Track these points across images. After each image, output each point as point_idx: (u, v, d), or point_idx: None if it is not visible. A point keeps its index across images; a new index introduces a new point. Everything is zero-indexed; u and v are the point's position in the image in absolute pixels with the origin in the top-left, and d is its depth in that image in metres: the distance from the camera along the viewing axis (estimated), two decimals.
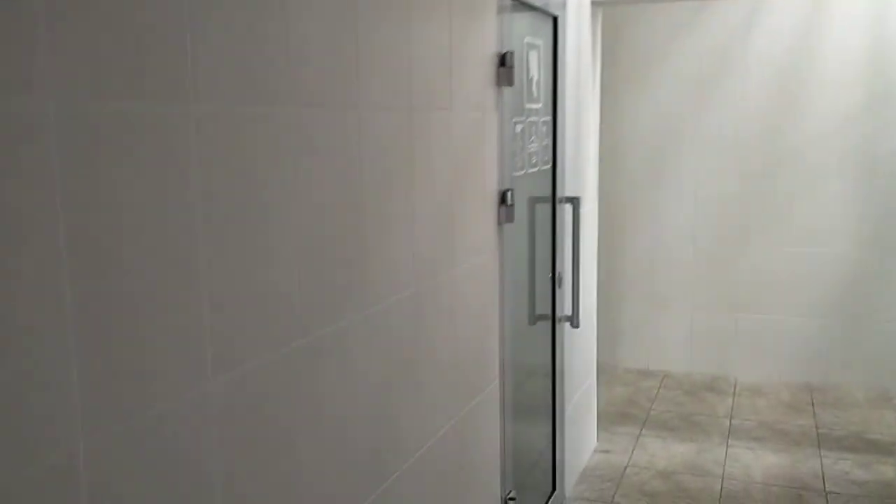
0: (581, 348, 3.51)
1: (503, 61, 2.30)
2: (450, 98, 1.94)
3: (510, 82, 2.36)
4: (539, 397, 3.01)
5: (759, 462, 3.67)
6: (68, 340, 0.89)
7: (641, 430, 4.05)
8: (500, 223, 2.36)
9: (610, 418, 4.12)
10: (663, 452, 3.78)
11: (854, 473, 3.53)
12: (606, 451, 3.78)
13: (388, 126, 1.63)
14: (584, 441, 3.63)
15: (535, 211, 2.78)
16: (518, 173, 2.54)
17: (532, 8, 2.60)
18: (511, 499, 2.53)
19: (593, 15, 3.40)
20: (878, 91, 4.41)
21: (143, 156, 0.99)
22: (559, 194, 3.03)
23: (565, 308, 3.13)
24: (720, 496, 3.35)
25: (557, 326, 3.10)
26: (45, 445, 0.86)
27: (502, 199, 2.36)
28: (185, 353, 1.08)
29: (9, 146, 0.81)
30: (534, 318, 2.82)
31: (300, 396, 1.35)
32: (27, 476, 0.85)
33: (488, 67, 2.21)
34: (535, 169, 2.76)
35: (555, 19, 2.88)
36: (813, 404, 4.36)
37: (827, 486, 3.42)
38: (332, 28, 1.40)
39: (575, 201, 3.05)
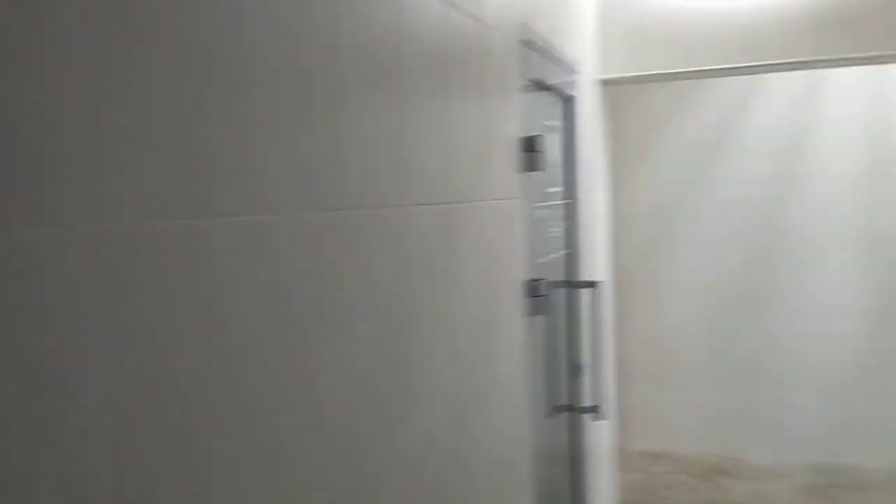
0: (599, 437, 3.21)
1: (529, 146, 2.13)
2: (480, 189, 1.75)
3: (535, 167, 2.16)
4: (565, 491, 2.74)
5: None
6: None
7: None
8: (527, 315, 2.13)
9: None
10: None
11: None
12: None
13: (430, 225, 1.44)
14: None
15: (555, 298, 2.57)
16: (541, 260, 2.36)
17: (549, 89, 2.42)
18: None
19: (600, 93, 3.21)
20: (876, 163, 4.16)
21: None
22: (578, 279, 2.78)
23: (586, 399, 2.87)
24: None
25: (579, 418, 2.81)
26: None
27: (530, 289, 2.14)
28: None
29: None
30: (554, 411, 2.55)
31: None
32: None
33: (513, 153, 2.01)
34: (555, 255, 2.55)
35: (569, 100, 2.69)
36: (832, 488, 3.96)
37: None
38: (380, 124, 1.22)
39: (595, 285, 2.80)
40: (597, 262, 3.22)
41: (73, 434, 0.64)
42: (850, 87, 4.16)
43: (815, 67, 3.16)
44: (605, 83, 3.20)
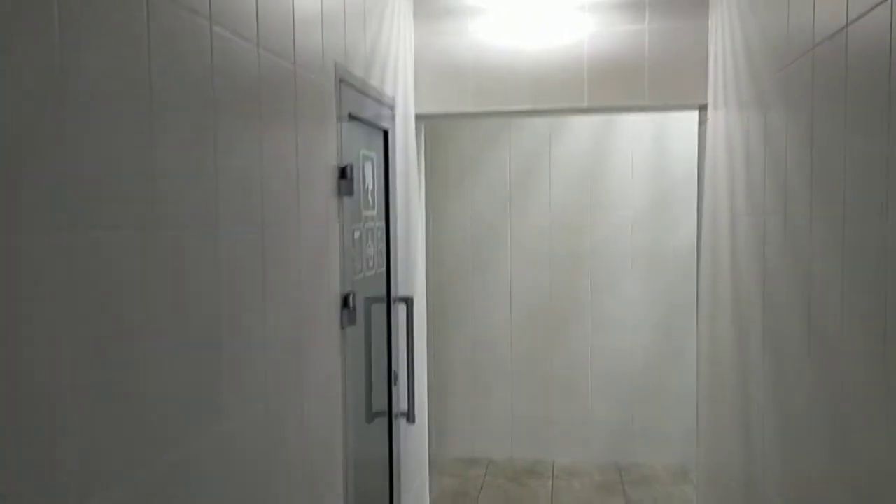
0: (414, 443, 3.43)
1: (343, 174, 2.33)
2: (297, 210, 1.92)
3: (350, 193, 2.38)
4: (378, 494, 2.91)
5: None
6: None
7: None
8: (343, 326, 2.34)
9: None
10: None
11: None
12: None
13: (244, 243, 1.59)
14: None
15: (372, 311, 2.80)
16: (357, 277, 2.57)
17: (366, 122, 2.65)
18: None
19: (417, 127, 3.50)
20: (659, 195, 4.76)
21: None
22: (393, 295, 3.03)
23: (401, 404, 3.13)
24: None
25: (394, 423, 3.04)
26: None
27: (345, 303, 2.35)
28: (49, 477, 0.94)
29: None
30: (371, 416, 2.74)
31: None
32: None
33: (330, 179, 2.21)
34: (372, 272, 2.76)
35: (385, 132, 2.93)
36: (622, 483, 4.46)
37: None
38: (194, 149, 1.36)
39: (409, 301, 3.07)
40: (415, 280, 3.48)
41: None
42: (638, 130, 4.79)
43: (592, 113, 3.68)
44: (421, 118, 3.51)
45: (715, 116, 3.15)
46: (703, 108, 3.35)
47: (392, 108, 3.03)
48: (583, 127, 4.82)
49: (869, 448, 1.49)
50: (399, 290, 3.10)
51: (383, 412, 2.95)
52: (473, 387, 4.94)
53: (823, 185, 1.77)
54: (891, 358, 1.38)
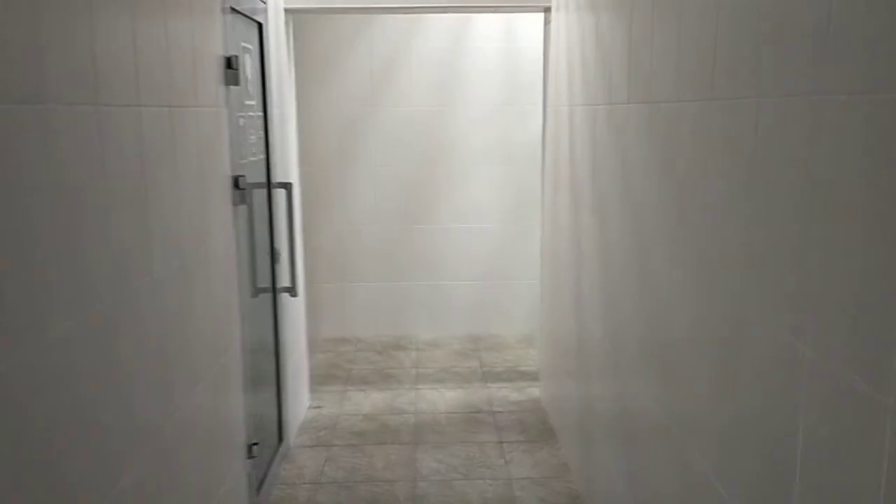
0: (294, 318, 3.78)
1: (229, 64, 2.56)
2: (195, 96, 2.14)
3: (236, 82, 2.60)
4: (265, 363, 3.24)
5: (441, 398, 4.28)
6: None
7: (346, 386, 4.46)
8: (234, 204, 2.59)
9: (317, 380, 4.46)
10: (366, 401, 4.24)
11: (512, 396, 4.30)
12: (319, 407, 4.14)
13: (158, 120, 1.83)
14: (299, 400, 3.93)
15: (254, 196, 3.04)
16: (243, 161, 2.82)
17: (243, 15, 2.82)
18: (255, 444, 2.80)
19: (286, 21, 3.68)
20: (511, 91, 5.19)
21: None
22: (273, 180, 3.31)
23: (283, 281, 3.45)
24: (414, 427, 3.88)
25: (278, 298, 3.38)
26: None
27: (235, 183, 2.59)
28: None
29: None
30: (256, 292, 3.02)
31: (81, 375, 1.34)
32: None
33: (218, 68, 2.42)
34: (255, 158, 3.02)
35: (260, 25, 3.12)
36: (478, 350, 5.10)
37: (494, 407, 4.14)
38: (120, 35, 1.58)
39: (288, 186, 3.35)
40: (289, 167, 3.75)
41: None
42: (490, 30, 5.16)
43: (450, 11, 3.99)
44: (290, 12, 3.70)
45: (557, 18, 3.59)
46: (547, 10, 3.78)
47: (265, 1, 3.21)
48: (441, 27, 5.13)
49: (661, 286, 2.00)
50: (278, 175, 3.38)
51: (267, 289, 3.27)
52: (341, 271, 5.32)
53: (636, 76, 2.25)
54: (680, 214, 1.89)
